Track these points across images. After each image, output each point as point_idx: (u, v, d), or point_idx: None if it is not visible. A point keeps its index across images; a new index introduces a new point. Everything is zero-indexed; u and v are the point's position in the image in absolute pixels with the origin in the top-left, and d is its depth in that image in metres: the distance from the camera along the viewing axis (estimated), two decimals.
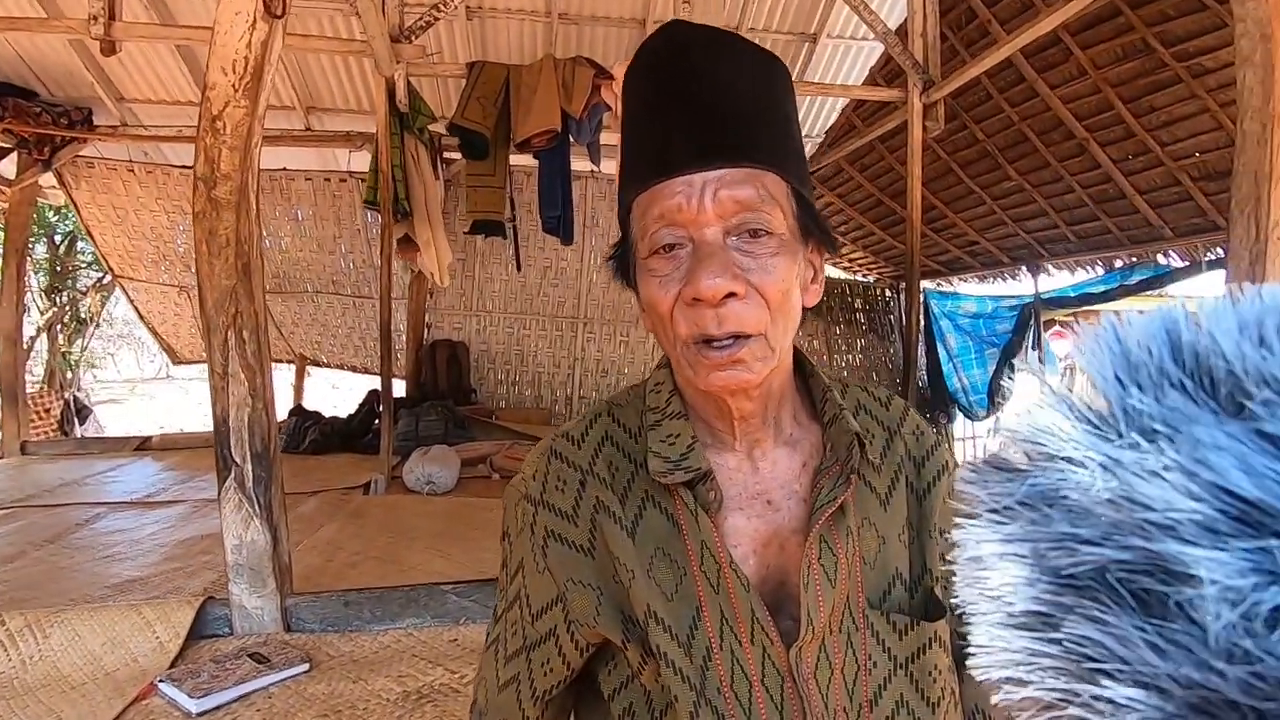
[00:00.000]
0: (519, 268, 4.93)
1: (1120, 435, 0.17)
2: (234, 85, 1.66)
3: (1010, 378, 5.99)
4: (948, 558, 0.67)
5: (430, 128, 3.96)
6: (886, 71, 4.67)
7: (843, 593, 0.61)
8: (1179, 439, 0.16)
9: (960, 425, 6.54)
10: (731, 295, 0.54)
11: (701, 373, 0.57)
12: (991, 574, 0.20)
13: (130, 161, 5.13)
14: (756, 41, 0.65)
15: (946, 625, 0.64)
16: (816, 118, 5.41)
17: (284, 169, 5.11)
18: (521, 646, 0.66)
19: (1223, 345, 0.17)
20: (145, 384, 14.58)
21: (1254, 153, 2.28)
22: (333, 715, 1.41)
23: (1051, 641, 0.18)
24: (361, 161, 4.83)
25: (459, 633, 1.83)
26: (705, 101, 0.58)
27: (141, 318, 6.28)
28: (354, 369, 6.26)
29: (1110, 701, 0.16)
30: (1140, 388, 0.18)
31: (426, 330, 5.49)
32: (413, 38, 3.31)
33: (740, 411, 0.61)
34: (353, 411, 5.07)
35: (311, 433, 4.84)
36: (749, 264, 0.56)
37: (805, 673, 0.60)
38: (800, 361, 0.67)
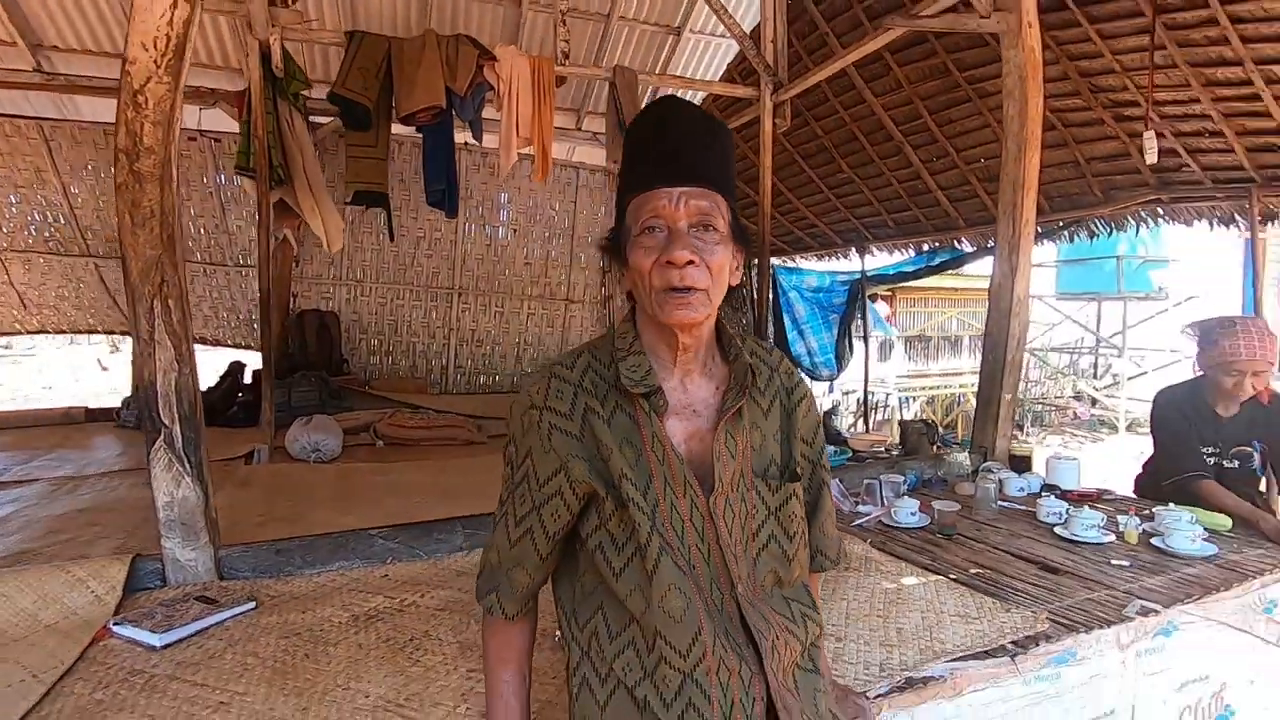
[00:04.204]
0: (392, 238, 4.93)
1: None
2: (155, 61, 1.72)
3: (850, 343, 6.91)
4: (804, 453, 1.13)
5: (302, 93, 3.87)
6: (742, 69, 5.17)
7: (740, 465, 0.99)
8: None
9: None
10: (691, 263, 0.90)
11: (667, 309, 0.93)
12: None
13: None
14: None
15: (801, 488, 1.04)
16: None
17: None
18: (532, 507, 0.98)
19: None
20: None
21: (1013, 167, 2.98)
22: (293, 637, 1.60)
23: None
24: (215, 120, 4.57)
25: (388, 569, 2.04)
26: (686, 145, 0.94)
27: None
28: (206, 341, 5.88)
29: None
30: None
31: (293, 300, 5.32)
32: (290, 1, 3.26)
33: (684, 344, 0.97)
34: (213, 385, 4.83)
35: None
36: (701, 246, 0.92)
37: (718, 514, 0.97)
38: (718, 320, 1.04)
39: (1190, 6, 3.24)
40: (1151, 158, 3.42)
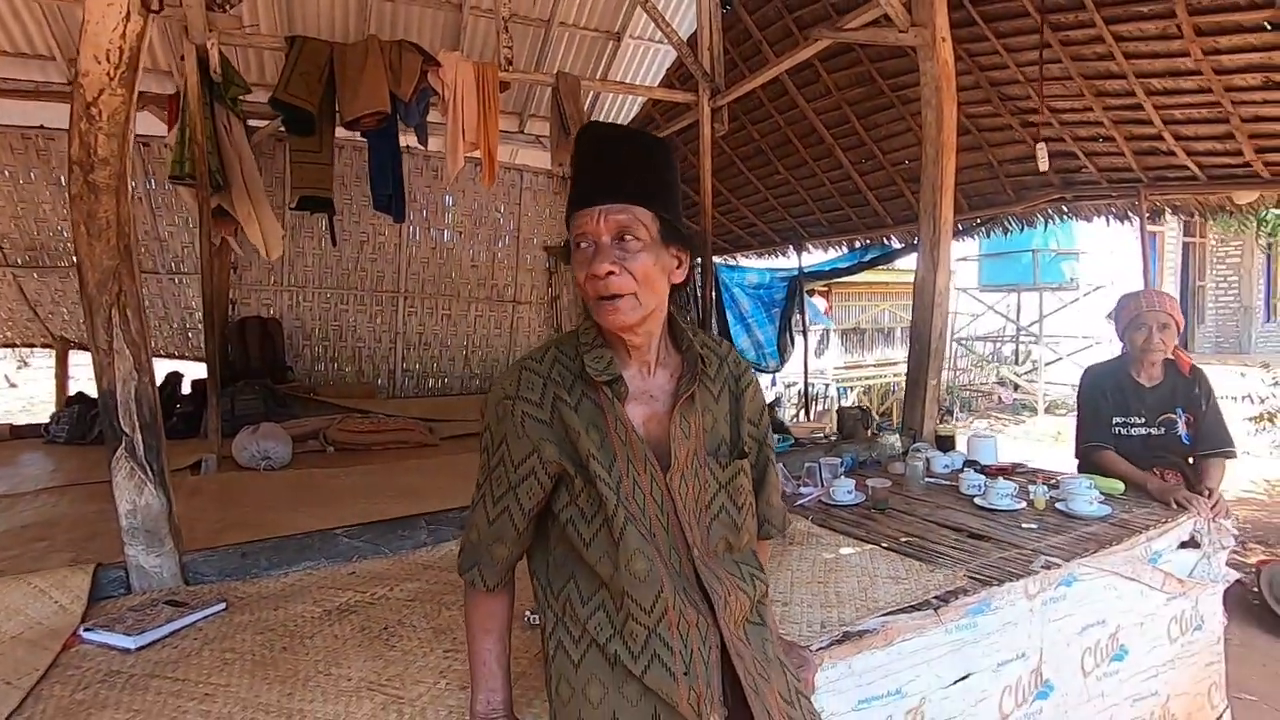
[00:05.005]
0: (334, 242, 4.88)
1: None
2: (109, 74, 1.73)
3: (791, 337, 7.18)
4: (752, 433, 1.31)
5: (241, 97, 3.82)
6: (680, 75, 5.33)
7: (694, 445, 1.12)
8: None
9: None
10: (611, 273, 1.02)
11: (600, 316, 1.06)
12: None
13: None
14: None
15: (749, 464, 1.18)
16: (622, 109, 5.96)
17: (41, 127, 4.49)
18: (508, 487, 1.09)
19: None
20: None
21: (931, 170, 3.22)
22: (268, 632, 1.65)
23: None
24: (141, 124, 4.42)
25: (355, 567, 2.09)
26: (605, 166, 1.06)
27: None
28: None
29: None
30: None
31: (232, 307, 5.20)
32: (228, 7, 3.23)
33: (631, 343, 1.09)
34: None
35: (100, 422, 4.41)
36: (623, 255, 1.04)
37: (674, 488, 1.10)
38: (670, 315, 1.17)
39: (1080, 25, 3.57)
40: (1043, 165, 3.75)
